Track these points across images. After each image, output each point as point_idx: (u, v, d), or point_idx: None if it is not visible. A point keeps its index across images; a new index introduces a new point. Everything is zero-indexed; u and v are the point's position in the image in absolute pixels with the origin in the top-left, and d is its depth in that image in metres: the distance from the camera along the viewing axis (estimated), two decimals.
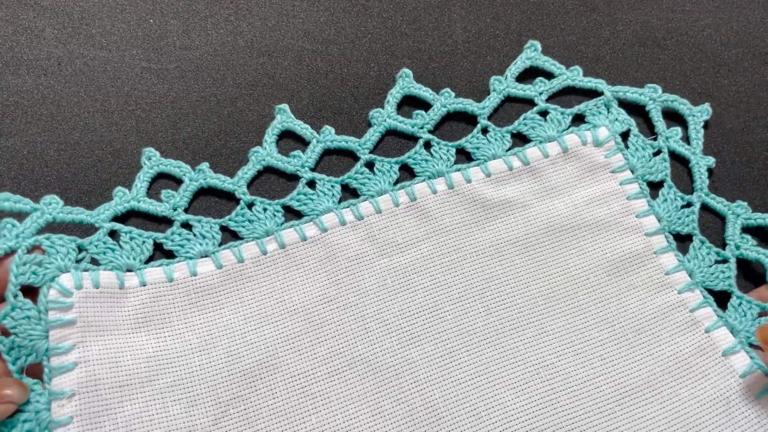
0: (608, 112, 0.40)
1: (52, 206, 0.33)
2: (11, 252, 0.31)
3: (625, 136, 0.40)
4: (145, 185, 0.36)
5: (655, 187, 0.39)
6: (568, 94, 0.41)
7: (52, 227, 0.34)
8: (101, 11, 0.42)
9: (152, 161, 0.36)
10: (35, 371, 0.30)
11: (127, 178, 0.37)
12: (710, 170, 0.40)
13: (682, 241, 0.38)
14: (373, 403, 0.32)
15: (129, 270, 0.33)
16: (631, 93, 0.41)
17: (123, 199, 0.35)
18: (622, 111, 0.40)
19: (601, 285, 0.36)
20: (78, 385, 0.30)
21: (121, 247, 0.34)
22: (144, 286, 0.33)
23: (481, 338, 0.34)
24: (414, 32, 0.44)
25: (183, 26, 0.42)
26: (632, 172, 0.39)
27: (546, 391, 0.33)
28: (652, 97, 0.40)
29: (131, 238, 0.34)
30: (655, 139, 0.40)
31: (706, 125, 0.41)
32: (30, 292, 0.31)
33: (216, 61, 0.41)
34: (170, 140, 0.39)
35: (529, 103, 0.41)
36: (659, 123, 0.40)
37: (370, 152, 0.38)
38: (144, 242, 0.34)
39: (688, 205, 0.38)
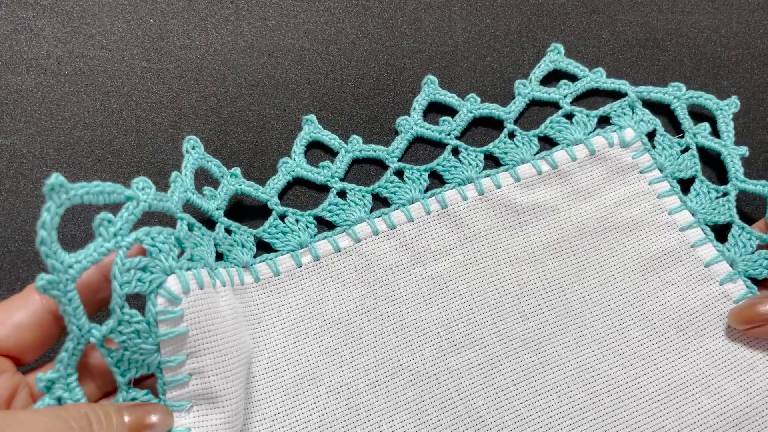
0: (633, 113, 0.40)
1: (145, 192, 0.27)
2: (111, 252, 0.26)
3: (651, 135, 0.40)
4: (190, 176, 0.33)
5: (685, 184, 0.39)
6: (591, 96, 0.41)
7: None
8: (101, 11, 0.42)
9: (195, 152, 0.34)
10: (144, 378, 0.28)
11: (127, 178, 0.37)
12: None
13: (723, 232, 0.37)
14: (417, 412, 0.32)
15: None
16: (655, 93, 0.41)
17: (182, 188, 0.31)
18: (647, 111, 0.40)
19: (638, 285, 0.35)
20: (195, 397, 0.27)
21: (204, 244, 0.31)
22: (224, 286, 0.30)
23: (520, 344, 0.33)
24: (414, 32, 0.44)
25: (183, 26, 0.42)
26: (661, 171, 0.38)
27: (589, 394, 0.32)
28: (677, 95, 0.40)
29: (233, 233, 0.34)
30: (682, 137, 0.39)
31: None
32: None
33: (216, 61, 0.41)
34: (170, 140, 0.39)
35: (554, 106, 0.41)
36: (685, 120, 0.40)
37: (399, 160, 0.38)
38: (248, 237, 0.35)
39: (724, 195, 0.38)
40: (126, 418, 0.24)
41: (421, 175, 0.38)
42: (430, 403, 0.32)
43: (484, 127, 0.40)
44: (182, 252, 0.28)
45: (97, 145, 0.38)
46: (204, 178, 0.37)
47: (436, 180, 0.38)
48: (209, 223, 0.33)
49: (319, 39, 0.43)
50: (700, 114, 0.41)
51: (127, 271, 0.26)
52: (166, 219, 0.35)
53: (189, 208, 0.32)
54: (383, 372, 0.33)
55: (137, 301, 0.26)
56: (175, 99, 0.40)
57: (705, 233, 0.37)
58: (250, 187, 0.36)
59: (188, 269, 0.27)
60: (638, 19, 0.45)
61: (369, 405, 0.32)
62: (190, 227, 0.30)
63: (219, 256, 0.33)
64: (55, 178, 0.23)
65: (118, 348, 0.26)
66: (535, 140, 0.39)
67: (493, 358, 0.33)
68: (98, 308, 0.27)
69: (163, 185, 0.36)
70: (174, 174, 0.31)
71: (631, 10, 0.45)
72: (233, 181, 0.36)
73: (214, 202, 0.34)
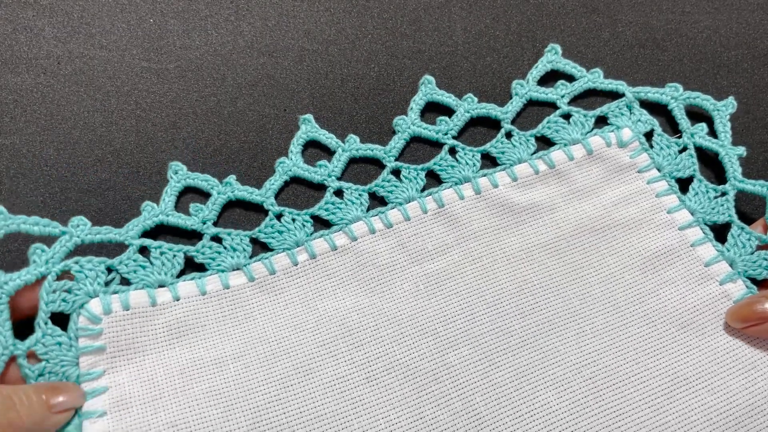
0: (630, 113, 0.40)
1: (80, 228, 0.33)
2: (42, 278, 0.31)
3: (648, 136, 0.40)
4: (172, 199, 0.35)
5: (684, 184, 0.39)
6: (589, 96, 0.42)
7: (81, 247, 0.33)
8: (101, 11, 0.42)
9: (179, 175, 0.36)
10: None
11: (126, 178, 0.37)
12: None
13: (722, 232, 0.37)
14: (414, 408, 0.32)
15: (161, 285, 0.33)
16: (652, 93, 0.41)
17: (151, 213, 0.35)
18: (644, 111, 0.40)
19: (638, 282, 0.36)
20: (110, 405, 0.30)
21: (151, 263, 0.33)
22: (177, 300, 0.33)
23: (519, 340, 0.33)
24: (414, 32, 0.44)
25: (183, 26, 0.42)
26: (659, 170, 0.39)
27: (589, 390, 0.32)
28: (674, 95, 0.40)
29: (161, 253, 0.34)
30: (679, 137, 0.40)
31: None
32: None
33: (216, 61, 0.41)
34: (170, 140, 0.39)
35: (551, 106, 0.41)
36: (683, 120, 0.40)
37: (396, 159, 0.38)
38: (175, 256, 0.34)
39: (722, 195, 0.38)
40: (43, 396, 0.28)
41: (418, 175, 0.38)
42: (428, 399, 0.32)
43: (482, 127, 0.40)
44: (121, 277, 0.33)
45: (97, 145, 0.38)
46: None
47: (433, 179, 0.38)
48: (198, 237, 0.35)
49: (319, 39, 0.43)
50: (698, 114, 0.41)
51: (53, 292, 0.31)
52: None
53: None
54: (380, 366, 0.32)
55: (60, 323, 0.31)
56: (175, 99, 0.40)
57: (704, 232, 0.37)
58: (244, 192, 0.36)
59: (115, 293, 0.32)
60: (638, 19, 0.45)
61: (365, 399, 0.32)
62: (146, 249, 0.34)
63: (201, 267, 0.34)
64: None
65: (39, 361, 0.30)
66: (533, 140, 0.39)
67: (491, 355, 0.33)
68: None
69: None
70: (143, 204, 0.35)
71: (631, 10, 0.45)
72: (226, 189, 0.36)
73: (200, 215, 0.35)
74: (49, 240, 0.32)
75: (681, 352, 0.33)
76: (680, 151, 0.39)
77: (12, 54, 0.40)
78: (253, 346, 0.33)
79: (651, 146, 0.39)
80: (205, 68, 0.41)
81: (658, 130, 0.40)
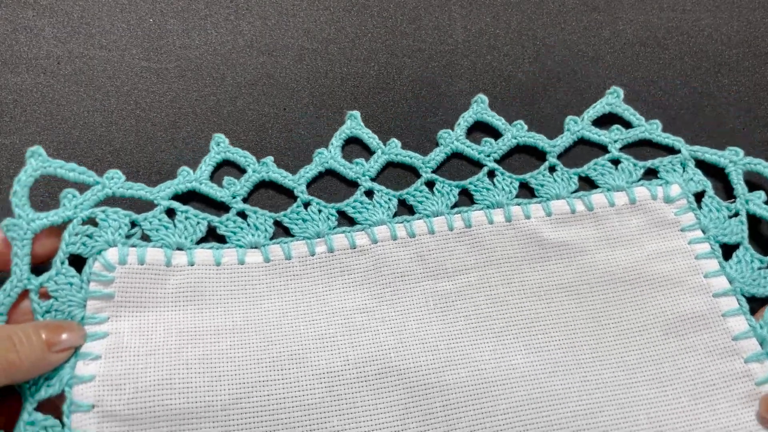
0: (683, 171, 0.39)
1: (114, 181, 0.34)
2: (68, 222, 0.32)
3: (699, 195, 0.38)
4: (209, 169, 0.37)
5: (729, 251, 0.37)
6: (642, 145, 0.40)
7: (113, 201, 0.34)
8: (101, 11, 0.42)
9: (220, 147, 0.37)
10: None
11: (127, 178, 0.37)
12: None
13: (762, 304, 0.35)
14: (399, 418, 0.31)
15: (179, 248, 0.34)
16: (710, 154, 0.39)
17: (186, 178, 0.36)
18: (699, 171, 0.38)
19: (656, 343, 0.34)
20: (105, 351, 0.31)
21: (175, 225, 0.34)
22: (191, 265, 0.34)
23: (519, 375, 0.32)
24: (414, 32, 0.43)
25: (183, 26, 0.42)
26: (704, 232, 0.37)
27: None
28: (732, 159, 0.38)
29: (186, 218, 0.35)
30: (733, 202, 0.38)
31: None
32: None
33: (216, 60, 0.41)
34: (170, 140, 0.39)
35: (599, 147, 0.40)
36: (739, 185, 0.38)
37: (433, 171, 0.38)
38: (198, 223, 0.35)
39: None
40: (43, 336, 0.29)
41: (451, 190, 0.37)
42: (414, 412, 0.31)
43: (526, 155, 0.40)
44: (143, 233, 0.34)
45: (97, 145, 0.38)
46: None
47: (466, 198, 0.38)
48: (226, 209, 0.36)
49: (319, 39, 0.43)
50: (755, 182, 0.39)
51: (75, 235, 0.32)
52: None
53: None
54: (373, 370, 0.32)
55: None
56: (174, 99, 0.40)
57: (740, 303, 0.34)
58: (278, 174, 0.37)
59: (133, 246, 0.33)
60: (639, 18, 0.45)
61: (352, 398, 0.32)
62: (172, 212, 0.35)
63: (221, 239, 0.35)
64: (36, 148, 0.32)
65: (48, 299, 0.31)
66: (575, 179, 0.38)
67: (488, 383, 0.32)
68: None
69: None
70: (180, 168, 0.36)
71: (632, 8, 0.45)
72: (261, 169, 0.37)
73: (231, 189, 0.36)
74: (82, 189, 0.33)
75: (688, 424, 0.32)
76: (731, 216, 0.37)
77: (12, 54, 0.40)
78: (253, 325, 0.33)
79: (700, 207, 0.38)
80: (205, 68, 0.41)
81: (710, 192, 0.38)
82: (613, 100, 0.41)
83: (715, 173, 0.39)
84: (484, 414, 0.31)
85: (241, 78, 0.41)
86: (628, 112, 0.40)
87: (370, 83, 0.42)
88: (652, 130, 0.40)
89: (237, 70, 0.41)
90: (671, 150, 0.40)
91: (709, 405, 0.32)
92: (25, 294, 0.31)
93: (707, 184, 0.38)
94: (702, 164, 0.39)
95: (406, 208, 0.37)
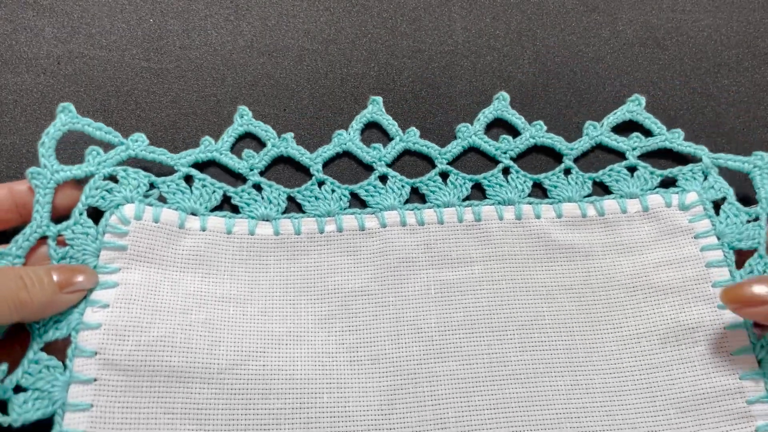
0: (704, 179, 0.38)
1: (138, 143, 0.36)
2: (89, 177, 0.34)
3: (718, 202, 0.37)
4: (231, 141, 0.38)
5: (743, 257, 0.36)
6: (657, 156, 0.40)
7: (134, 161, 0.36)
8: (101, 11, 0.42)
9: (244, 119, 0.38)
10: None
11: None
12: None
13: None
14: (386, 403, 0.32)
15: (193, 213, 0.35)
16: (733, 161, 0.38)
17: (207, 148, 0.37)
18: (721, 179, 0.37)
19: (652, 352, 0.33)
20: (114, 300, 0.32)
21: (191, 191, 0.36)
22: (203, 231, 0.35)
23: (510, 372, 0.33)
24: (414, 32, 0.43)
25: (183, 26, 0.42)
26: (718, 238, 0.36)
27: None
28: (758, 164, 0.37)
29: (203, 186, 0.36)
30: (755, 208, 0.37)
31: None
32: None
33: (216, 61, 0.41)
34: (170, 140, 0.39)
35: (617, 153, 0.39)
36: (762, 189, 0.37)
37: (448, 163, 0.38)
38: (214, 191, 0.36)
39: None
40: (55, 278, 0.30)
41: (464, 183, 0.38)
42: (402, 400, 0.32)
43: (542, 155, 0.40)
44: (160, 194, 0.35)
45: (97, 145, 0.38)
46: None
47: (478, 192, 0.38)
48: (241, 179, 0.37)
49: (319, 39, 0.43)
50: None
51: (96, 189, 0.33)
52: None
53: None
54: (366, 354, 0.33)
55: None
56: (175, 99, 0.40)
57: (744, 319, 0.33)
58: (296, 151, 0.38)
59: (150, 205, 0.34)
60: (638, 18, 0.45)
61: (344, 379, 0.32)
62: (191, 179, 0.36)
63: (235, 209, 0.36)
64: (67, 104, 0.35)
65: (65, 246, 0.32)
66: (590, 183, 0.38)
67: (478, 377, 0.32)
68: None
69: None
70: (203, 138, 0.37)
71: (631, 8, 0.45)
72: (281, 144, 0.38)
73: (249, 162, 0.37)
74: (107, 147, 0.35)
75: None
76: (749, 221, 0.36)
77: (12, 54, 0.40)
78: (256, 296, 0.34)
79: (718, 213, 0.37)
80: (205, 68, 0.41)
81: (731, 198, 0.37)
82: (634, 107, 0.40)
83: (732, 181, 0.38)
84: (471, 408, 0.32)
85: (241, 78, 0.41)
86: (649, 121, 0.40)
87: (370, 84, 0.42)
88: (674, 139, 0.39)
89: (237, 70, 0.41)
90: (692, 158, 0.39)
91: (695, 419, 0.32)
92: (43, 240, 0.32)
93: (729, 192, 0.37)
94: (722, 171, 0.38)
95: (418, 197, 0.38)
